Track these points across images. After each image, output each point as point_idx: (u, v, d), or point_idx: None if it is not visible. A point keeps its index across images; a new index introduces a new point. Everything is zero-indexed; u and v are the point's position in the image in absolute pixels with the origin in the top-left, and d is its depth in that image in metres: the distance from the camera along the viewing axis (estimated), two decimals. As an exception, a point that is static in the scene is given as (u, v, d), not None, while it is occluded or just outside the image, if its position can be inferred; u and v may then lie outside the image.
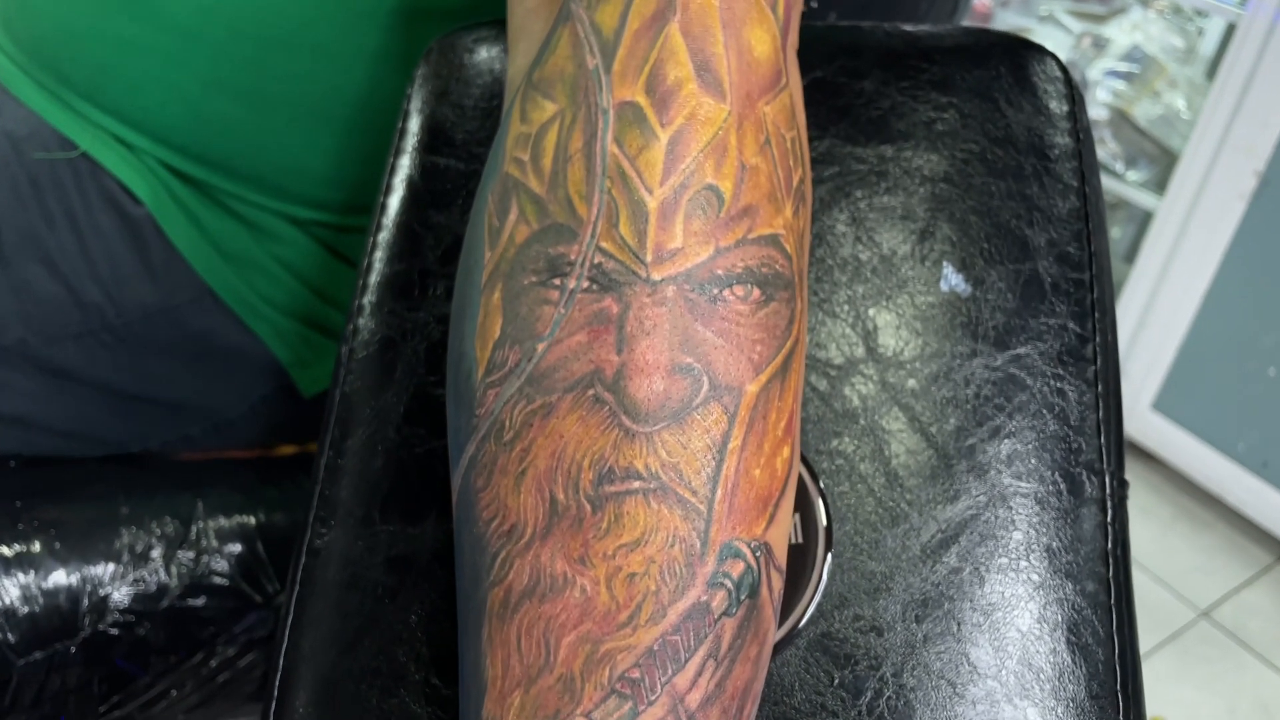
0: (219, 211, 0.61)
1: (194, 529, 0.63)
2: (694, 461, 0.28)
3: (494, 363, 0.30)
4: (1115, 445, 0.37)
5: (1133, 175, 1.94)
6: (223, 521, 0.63)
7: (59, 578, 0.60)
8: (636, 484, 0.27)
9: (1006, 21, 2.21)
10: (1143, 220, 2.00)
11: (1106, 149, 1.97)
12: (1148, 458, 1.92)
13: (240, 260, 0.61)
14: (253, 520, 0.64)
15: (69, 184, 0.59)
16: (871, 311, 0.39)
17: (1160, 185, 1.89)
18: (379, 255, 0.41)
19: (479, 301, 0.31)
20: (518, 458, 0.28)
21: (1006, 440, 0.36)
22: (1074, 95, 0.42)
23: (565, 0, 0.33)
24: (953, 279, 0.39)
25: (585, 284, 0.29)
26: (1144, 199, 1.88)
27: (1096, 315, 0.38)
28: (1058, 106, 0.41)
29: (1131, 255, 1.96)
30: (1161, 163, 1.95)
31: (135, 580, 0.60)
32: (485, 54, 0.45)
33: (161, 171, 0.60)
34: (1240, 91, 1.63)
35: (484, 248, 0.31)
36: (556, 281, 0.29)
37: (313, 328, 0.64)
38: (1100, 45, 2.08)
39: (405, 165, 0.42)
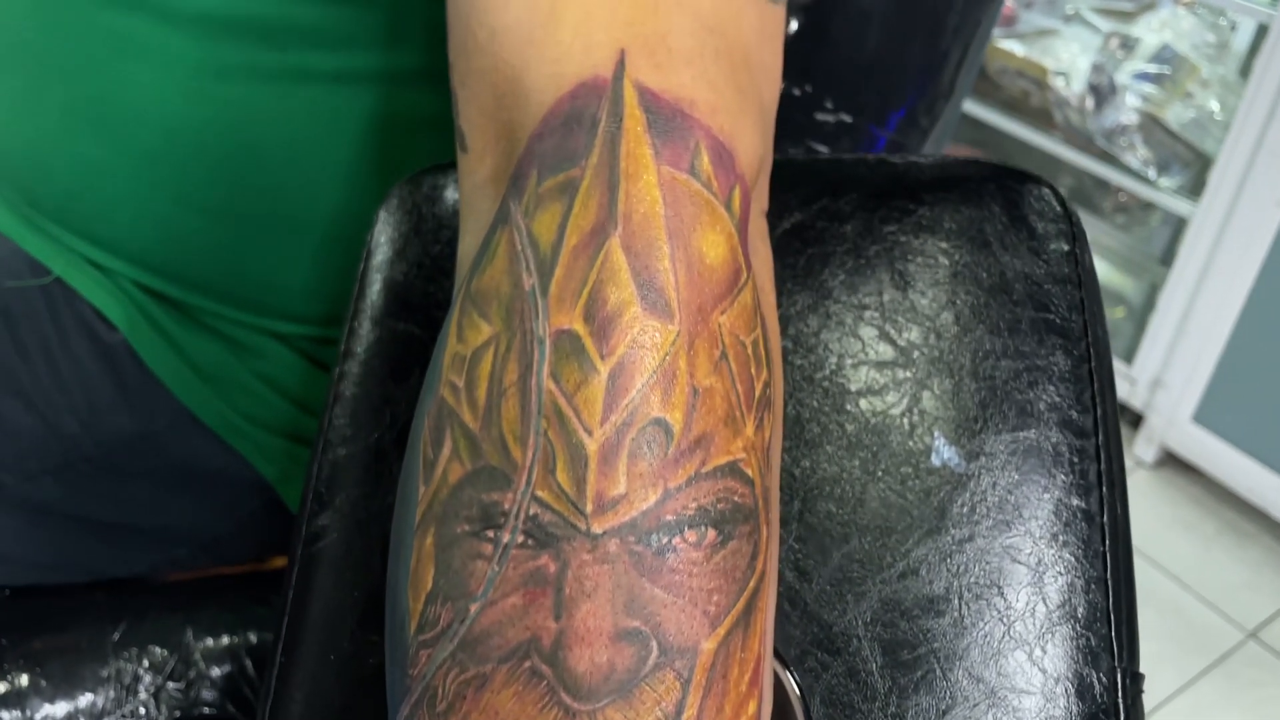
0: (197, 331, 0.59)
1: (184, 655, 0.61)
2: None
3: (426, 619, 0.27)
4: (1128, 636, 0.34)
5: (1165, 181, 1.88)
6: (211, 643, 0.62)
7: (48, 711, 0.59)
8: (580, 771, 0.25)
9: (1032, 23, 2.15)
10: (1177, 225, 1.94)
11: (1137, 155, 1.91)
12: (1189, 470, 1.86)
13: (220, 380, 0.59)
14: (243, 640, 0.62)
15: (43, 312, 0.57)
16: (857, 489, 0.36)
17: (1194, 190, 1.84)
18: (335, 432, 0.39)
19: (412, 544, 0.28)
20: None
21: (1004, 639, 0.34)
22: (1074, 231, 0.39)
23: (505, 198, 0.31)
24: (945, 452, 0.36)
25: (520, 538, 0.26)
26: (1178, 205, 1.83)
27: (1104, 489, 0.35)
28: (1056, 247, 0.38)
29: (1168, 259, 1.90)
30: (1195, 166, 1.89)
31: (124, 715, 0.59)
32: (450, 200, 0.42)
33: (137, 294, 0.58)
34: (1275, 95, 1.57)
35: (418, 481, 0.29)
36: (490, 534, 0.27)
37: (297, 441, 0.62)
38: (1129, 46, 2.02)
39: (364, 331, 0.40)
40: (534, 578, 0.26)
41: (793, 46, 0.62)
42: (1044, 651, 0.33)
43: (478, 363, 0.29)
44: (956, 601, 0.34)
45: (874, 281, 0.38)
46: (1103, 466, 0.36)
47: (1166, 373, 1.79)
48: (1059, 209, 0.39)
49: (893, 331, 0.38)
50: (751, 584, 0.28)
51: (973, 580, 0.34)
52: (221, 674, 0.61)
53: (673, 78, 0.30)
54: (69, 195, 0.57)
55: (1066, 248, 0.38)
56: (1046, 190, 0.40)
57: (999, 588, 0.34)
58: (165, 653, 0.60)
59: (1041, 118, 2.01)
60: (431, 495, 0.28)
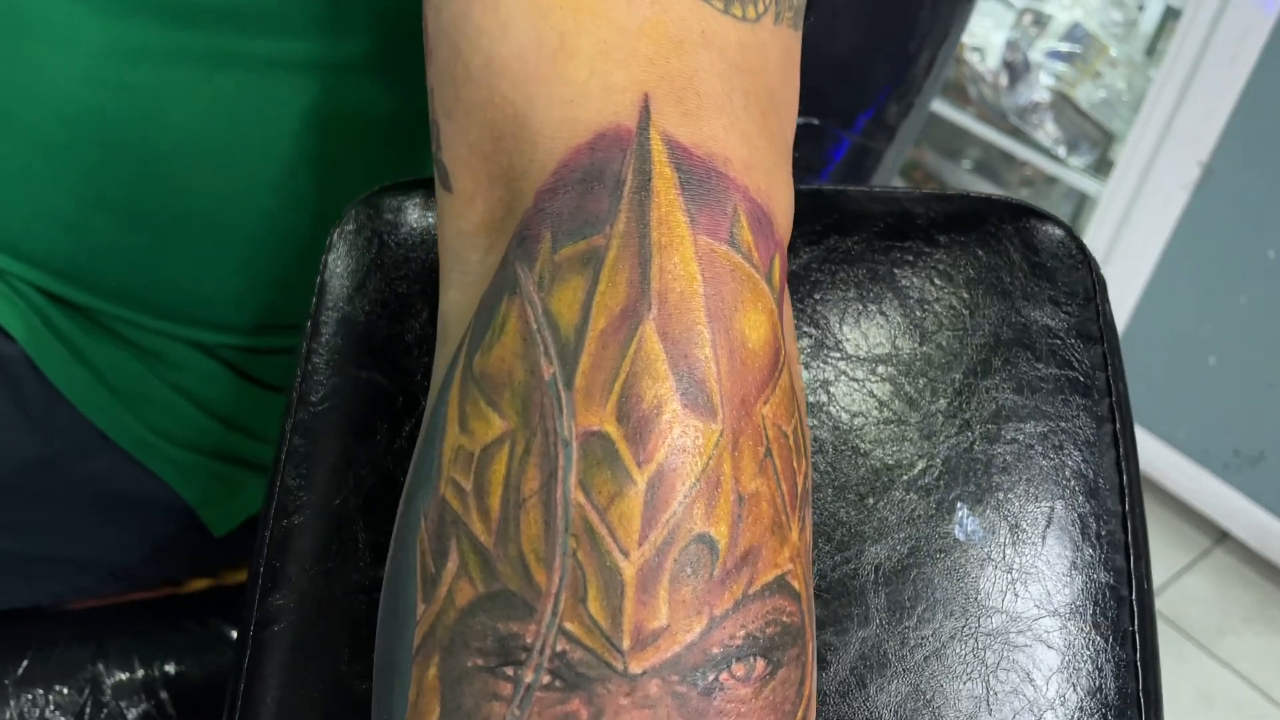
0: (107, 340, 0.53)
1: (95, 692, 0.56)
2: None
3: (434, 767, 0.24)
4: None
5: (1074, 160, 1.91)
6: (124, 677, 0.56)
7: (-59, 760, 0.53)
8: None
9: (946, -4, 2.15)
10: (1079, 201, 1.98)
11: (1047, 132, 1.93)
12: (1089, 445, 1.91)
13: (132, 395, 0.54)
14: (159, 673, 0.57)
15: (-75, 322, 0.51)
16: (876, 565, 0.33)
17: (1100, 168, 1.87)
18: (287, 495, 0.34)
19: (410, 672, 0.25)
20: None
21: (1025, 715, 0.31)
22: (1094, 280, 0.37)
23: (509, 260, 0.27)
24: (969, 525, 0.33)
25: (545, 678, 0.23)
26: (1086, 184, 1.86)
27: (1131, 564, 0.33)
28: (1079, 298, 0.36)
29: (1072, 237, 1.94)
30: (1103, 145, 1.93)
31: (27, 765, 0.53)
32: (415, 226, 0.38)
33: (38, 299, 0.52)
34: (1184, 80, 1.60)
35: (416, 596, 0.25)
36: (509, 671, 0.23)
37: (222, 460, 0.57)
38: (1041, 23, 2.03)
39: (320, 377, 0.35)
40: (564, 723, 0.23)
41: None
42: (1075, 738, 0.32)
43: (489, 463, 0.25)
44: (984, 690, 0.32)
45: (887, 331, 0.36)
46: (1129, 539, 0.34)
47: (1072, 349, 1.83)
48: (1078, 254, 0.37)
49: (910, 388, 0.35)
50: (800, 713, 0.25)
51: (1001, 666, 0.32)
52: (138, 713, 0.56)
53: (704, 129, 0.26)
54: (-45, 189, 0.50)
55: (1088, 298, 0.36)
56: (1064, 233, 0.38)
57: (1028, 674, 0.32)
58: (74, 691, 0.55)
59: (955, 92, 2.01)
60: (434, 618, 0.24)
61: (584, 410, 0.24)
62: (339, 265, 0.37)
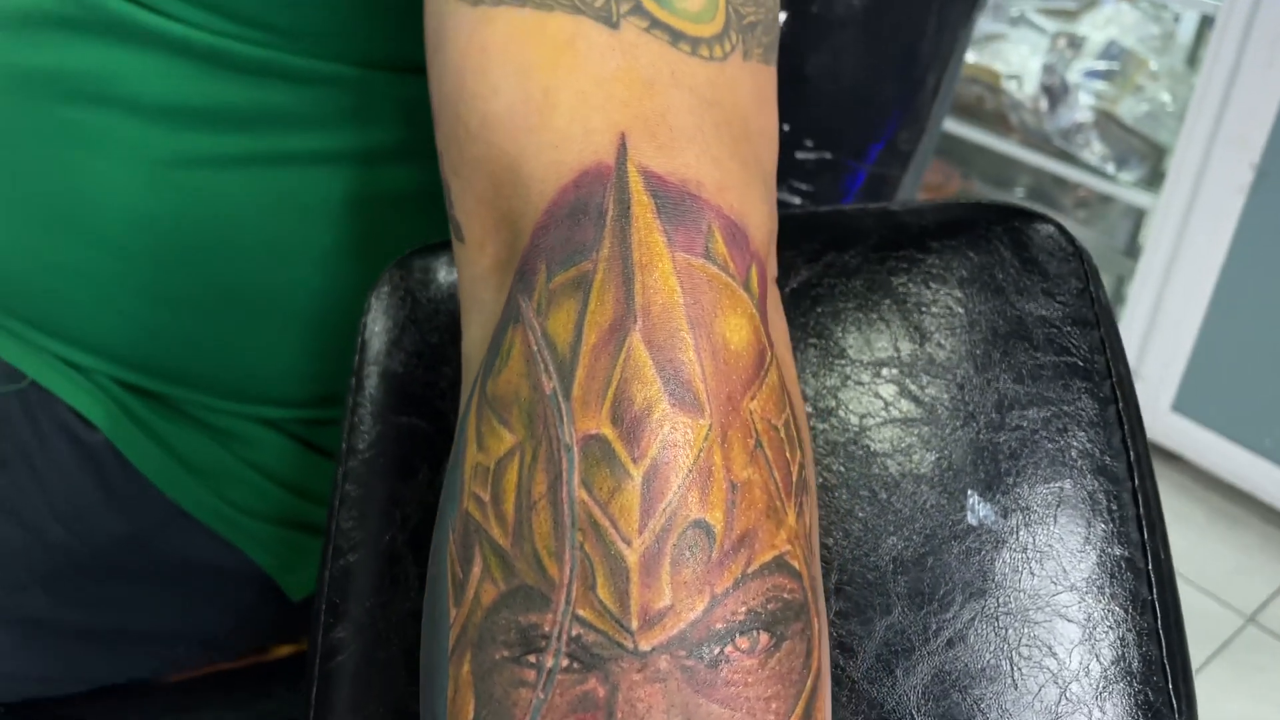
0: (182, 423, 0.57)
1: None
2: None
3: (473, 755, 0.26)
4: (1185, 688, 0.33)
5: (1124, 175, 1.90)
6: (221, 745, 0.59)
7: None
8: None
9: (979, 28, 2.17)
10: (1137, 218, 1.96)
11: (1094, 151, 1.93)
12: (1173, 459, 1.87)
13: (209, 472, 0.57)
14: (253, 738, 0.60)
15: (18, 418, 0.55)
16: (894, 556, 0.35)
17: (1152, 181, 1.86)
18: (343, 537, 0.37)
19: (447, 671, 0.27)
20: None
21: (1061, 702, 0.32)
22: (1086, 269, 0.38)
23: (513, 294, 0.30)
24: (981, 510, 0.35)
25: (564, 661, 0.25)
26: (1139, 198, 1.85)
27: (1145, 535, 0.34)
28: (1071, 287, 0.38)
29: (1132, 251, 1.92)
30: (1152, 158, 1.91)
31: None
32: (444, 283, 0.41)
33: (116, 390, 0.56)
34: (1225, 86, 1.59)
35: (448, 602, 0.28)
36: (532, 659, 0.25)
37: (295, 528, 0.60)
38: (1076, 44, 2.04)
39: (365, 427, 0.38)
40: (583, 703, 0.25)
41: (769, 88, 0.61)
42: (1103, 712, 0.32)
43: (503, 474, 0.27)
44: (1008, 667, 0.33)
45: (888, 336, 0.37)
46: (1140, 511, 0.35)
47: (1142, 365, 1.80)
48: (1068, 247, 0.39)
49: (914, 387, 0.37)
50: (809, 683, 0.26)
51: (1023, 643, 0.33)
52: (233, 777, 0.59)
53: (677, 158, 0.29)
54: (43, 296, 0.55)
55: (1081, 286, 0.38)
56: (1053, 228, 0.39)
57: (1050, 648, 0.33)
58: (171, 761, 0.58)
59: (997, 121, 2.02)
60: (465, 619, 0.27)
61: (582, 417, 0.26)
62: (377, 324, 0.40)
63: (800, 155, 0.61)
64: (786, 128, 0.60)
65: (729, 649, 0.25)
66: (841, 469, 0.36)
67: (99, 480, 0.55)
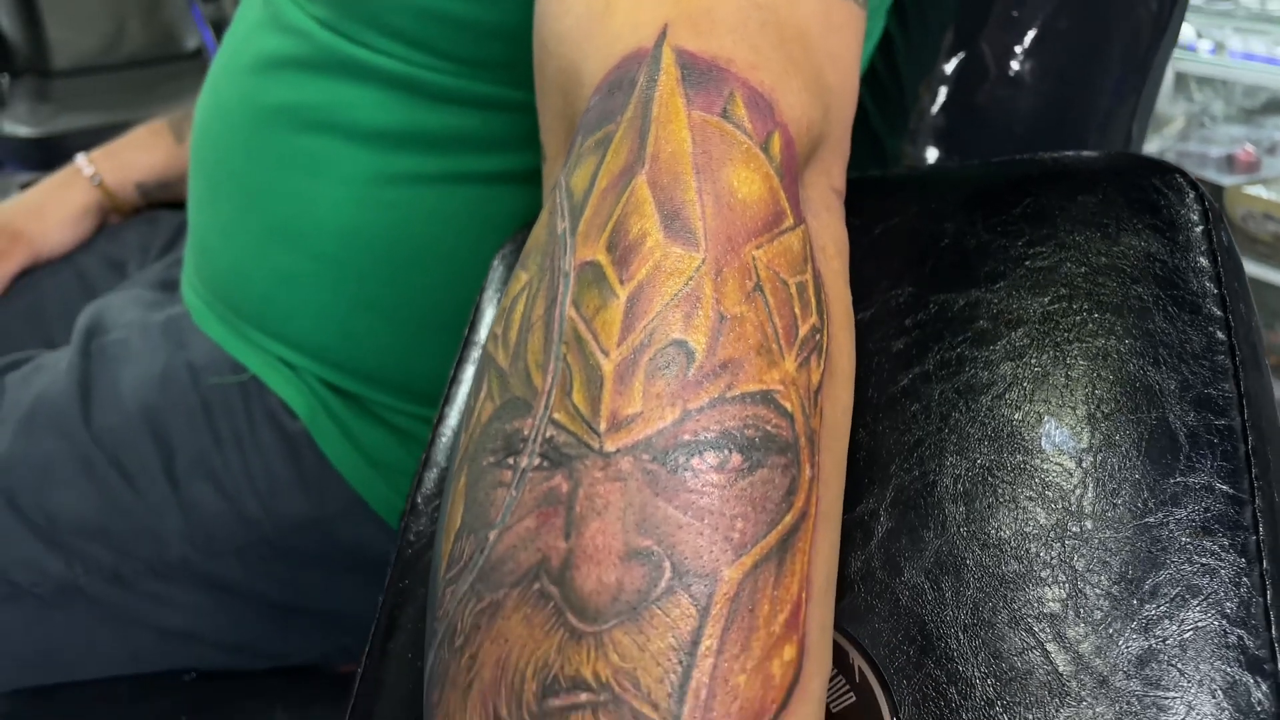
0: (370, 422, 0.63)
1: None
2: (653, 667, 0.23)
3: (453, 557, 0.27)
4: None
5: None
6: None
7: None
8: (584, 696, 0.23)
9: (1275, 167, 2.03)
10: None
11: None
12: None
13: (390, 468, 0.62)
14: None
15: (238, 405, 0.63)
16: (961, 482, 0.32)
17: None
18: (437, 455, 0.39)
19: (451, 490, 0.28)
20: (465, 667, 0.25)
21: (1136, 638, 0.29)
22: (1208, 211, 0.35)
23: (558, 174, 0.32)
24: (1056, 435, 0.32)
25: (536, 460, 0.26)
26: None
27: (1255, 471, 0.30)
28: (1186, 224, 0.35)
29: None
30: None
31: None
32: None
33: (319, 388, 0.63)
34: None
35: (462, 431, 0.29)
36: (511, 461, 0.26)
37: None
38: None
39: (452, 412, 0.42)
40: (548, 498, 0.25)
41: (933, 119, 0.61)
42: (1189, 649, 0.28)
43: (513, 308, 0.29)
44: (1069, 591, 0.30)
45: (974, 273, 0.36)
46: (1250, 447, 0.31)
47: None
48: (1189, 190, 0.36)
49: (1001, 325, 0.35)
50: (787, 519, 0.25)
51: (1091, 569, 0.30)
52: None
53: (713, 41, 0.31)
54: (264, 301, 0.63)
55: (1199, 225, 0.35)
56: (1176, 176, 0.37)
57: (1122, 576, 0.29)
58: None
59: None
60: (469, 438, 0.28)
61: (582, 247, 0.28)
62: (489, 307, 0.44)
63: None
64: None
65: (695, 460, 0.25)
66: (925, 403, 0.35)
67: (294, 465, 0.61)
